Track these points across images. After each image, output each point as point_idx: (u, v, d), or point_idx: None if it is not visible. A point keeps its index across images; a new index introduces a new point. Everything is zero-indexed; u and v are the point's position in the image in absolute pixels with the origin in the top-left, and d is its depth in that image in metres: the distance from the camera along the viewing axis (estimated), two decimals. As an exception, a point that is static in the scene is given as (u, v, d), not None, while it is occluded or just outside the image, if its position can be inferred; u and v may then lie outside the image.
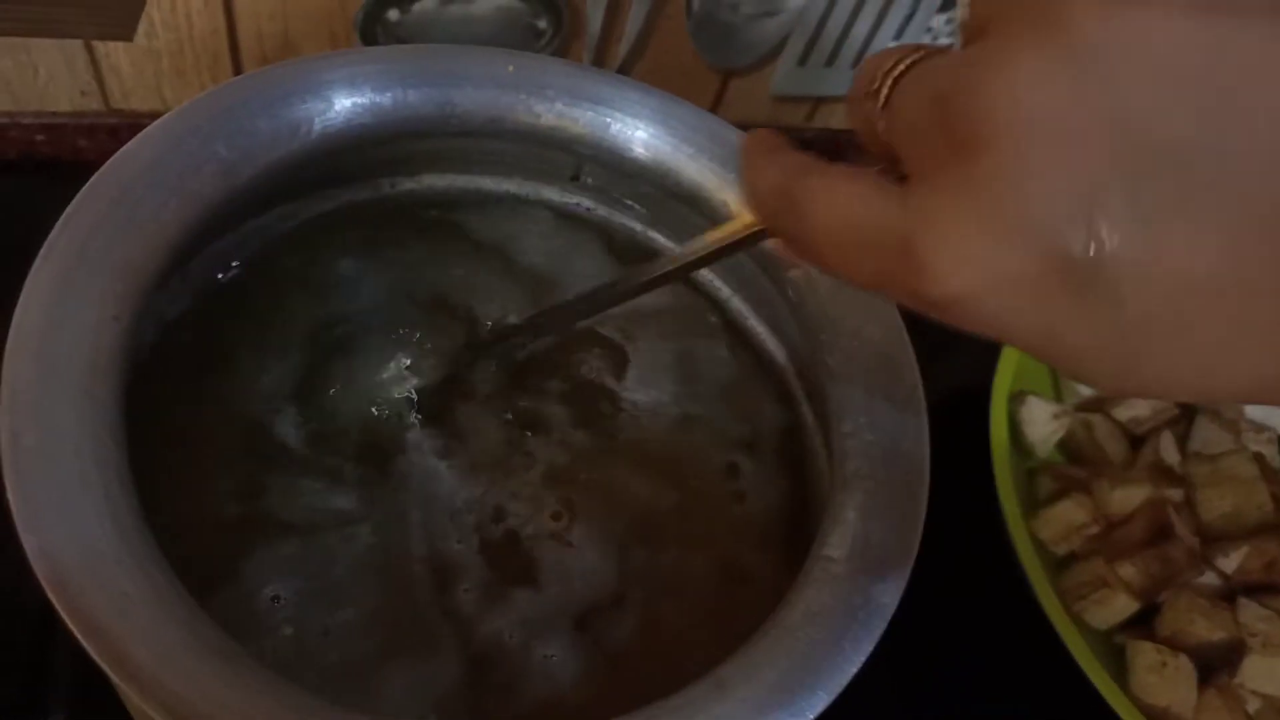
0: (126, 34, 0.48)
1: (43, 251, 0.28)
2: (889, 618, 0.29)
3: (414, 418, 0.36)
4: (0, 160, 0.52)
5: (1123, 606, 0.47)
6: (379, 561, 0.33)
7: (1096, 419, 0.52)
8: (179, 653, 0.24)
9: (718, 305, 0.42)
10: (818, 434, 0.38)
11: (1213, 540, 0.49)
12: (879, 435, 0.33)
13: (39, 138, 0.52)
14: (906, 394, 0.34)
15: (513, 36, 0.51)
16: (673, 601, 0.35)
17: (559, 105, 0.36)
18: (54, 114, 0.51)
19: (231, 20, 0.48)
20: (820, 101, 0.60)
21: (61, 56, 0.49)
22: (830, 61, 0.58)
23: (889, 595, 0.29)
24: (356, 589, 0.32)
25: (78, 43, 0.48)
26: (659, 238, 0.43)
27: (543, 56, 0.37)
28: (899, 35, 0.57)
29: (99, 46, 0.48)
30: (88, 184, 0.30)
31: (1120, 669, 0.47)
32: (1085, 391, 0.54)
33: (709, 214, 0.38)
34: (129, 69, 0.50)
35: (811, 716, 0.27)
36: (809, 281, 0.36)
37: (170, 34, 0.48)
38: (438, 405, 0.37)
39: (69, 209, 0.29)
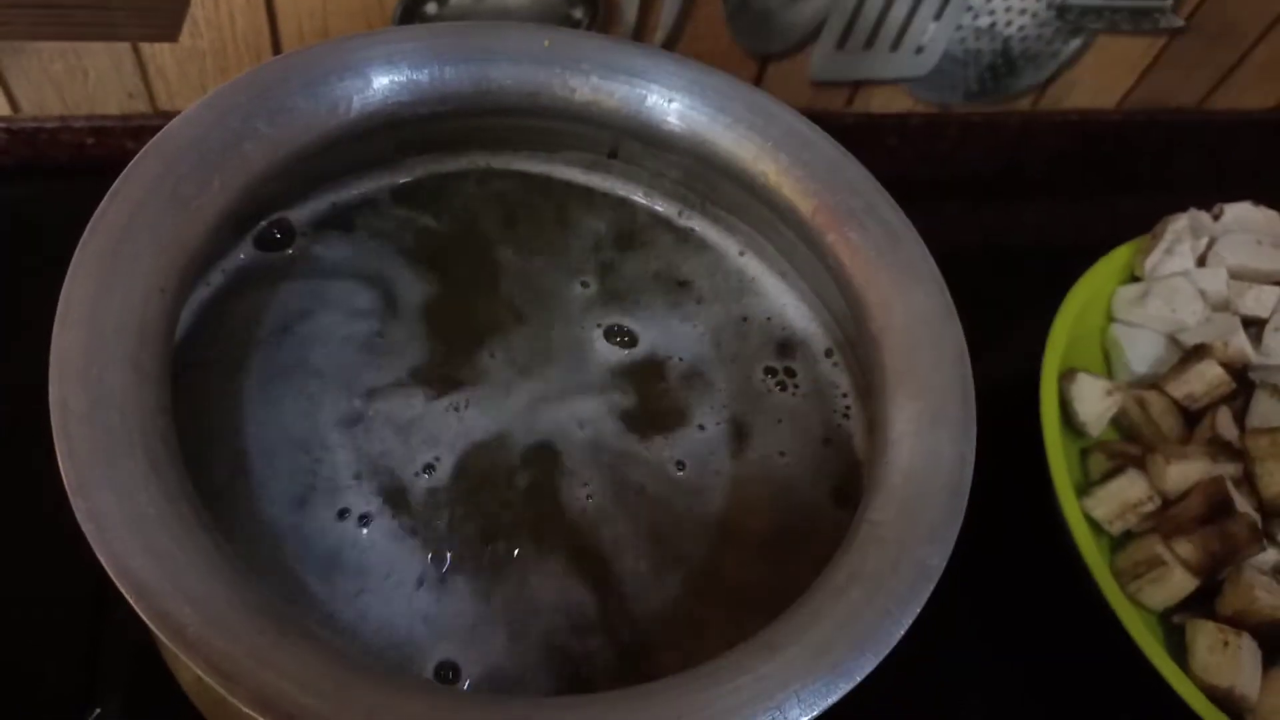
0: (171, 34, 0.49)
1: (90, 225, 0.29)
2: (936, 579, 0.29)
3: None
4: (51, 164, 0.53)
5: (1180, 585, 0.46)
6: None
7: (1150, 395, 0.51)
8: (226, 613, 0.24)
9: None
10: (858, 401, 0.38)
11: (1274, 515, 0.47)
12: (924, 400, 0.32)
13: (89, 141, 0.53)
14: (952, 359, 0.33)
15: (548, 26, 0.52)
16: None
17: (594, 79, 0.36)
18: (103, 117, 0.52)
19: (273, 18, 0.49)
20: (859, 85, 0.60)
21: (110, 59, 0.50)
22: (869, 44, 0.57)
23: (936, 557, 0.29)
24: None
25: (125, 45, 0.49)
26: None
27: (579, 31, 0.37)
28: (938, 16, 0.56)
29: (145, 48, 0.49)
30: (134, 160, 0.30)
31: (1179, 650, 0.46)
32: (1138, 369, 0.53)
33: (746, 184, 0.37)
34: (174, 69, 0.51)
35: (859, 678, 0.27)
36: (850, 250, 0.35)
37: (213, 33, 0.49)
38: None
39: (115, 184, 0.30)
